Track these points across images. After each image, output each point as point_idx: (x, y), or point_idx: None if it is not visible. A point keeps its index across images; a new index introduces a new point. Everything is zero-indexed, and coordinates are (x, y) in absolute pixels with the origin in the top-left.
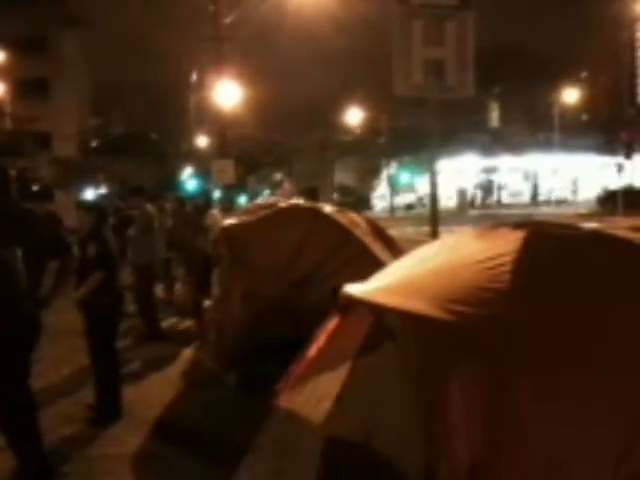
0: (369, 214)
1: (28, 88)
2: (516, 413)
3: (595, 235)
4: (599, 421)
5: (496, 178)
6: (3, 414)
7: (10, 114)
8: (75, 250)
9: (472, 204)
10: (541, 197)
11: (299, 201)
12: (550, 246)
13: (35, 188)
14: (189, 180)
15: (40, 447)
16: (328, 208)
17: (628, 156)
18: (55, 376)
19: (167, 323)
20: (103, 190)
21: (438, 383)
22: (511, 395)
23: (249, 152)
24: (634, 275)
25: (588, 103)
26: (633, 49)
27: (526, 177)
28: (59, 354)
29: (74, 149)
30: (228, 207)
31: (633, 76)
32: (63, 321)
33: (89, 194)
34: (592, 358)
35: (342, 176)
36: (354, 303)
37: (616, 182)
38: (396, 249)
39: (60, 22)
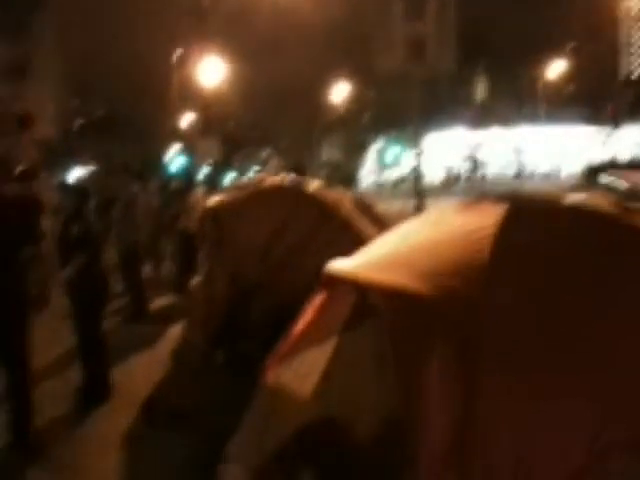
0: (356, 190)
1: (8, 68)
2: (486, 395)
3: (576, 209)
4: (570, 410)
5: (483, 152)
6: (20, 377)
7: None
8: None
9: (459, 178)
10: (528, 170)
11: (285, 178)
12: (531, 220)
13: (20, 169)
14: (173, 159)
15: (29, 426)
16: (313, 185)
17: (616, 125)
18: (43, 358)
19: (154, 302)
20: (87, 170)
21: (417, 358)
22: (481, 376)
23: (234, 130)
24: (617, 250)
25: (574, 75)
26: (617, 20)
27: (513, 151)
28: (46, 336)
29: (57, 129)
30: (212, 186)
31: (618, 47)
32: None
33: (74, 174)
34: (564, 350)
35: (329, 152)
36: (338, 279)
37: (601, 154)
38: (383, 225)
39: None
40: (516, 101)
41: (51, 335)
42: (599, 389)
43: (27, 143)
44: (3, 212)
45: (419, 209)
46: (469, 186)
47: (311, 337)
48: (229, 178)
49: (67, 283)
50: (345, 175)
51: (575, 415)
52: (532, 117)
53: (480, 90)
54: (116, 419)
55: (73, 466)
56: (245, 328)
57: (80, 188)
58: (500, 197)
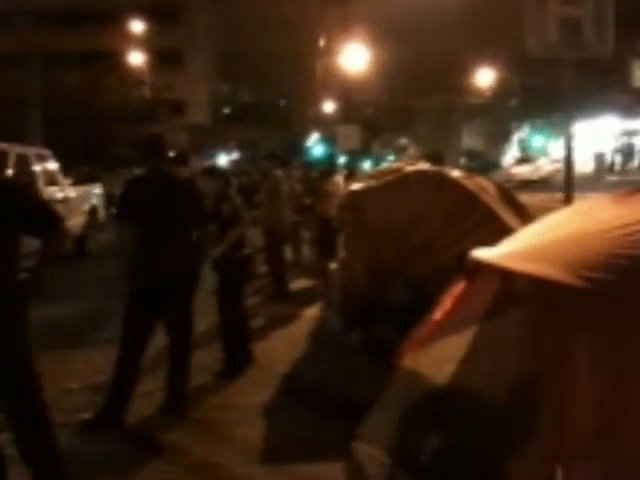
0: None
1: (164, 57)
2: (632, 386)
3: None
4: None
5: (638, 142)
6: (182, 346)
7: (148, 83)
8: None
9: (611, 169)
10: None
11: (424, 166)
12: None
13: (172, 154)
14: (315, 146)
15: (184, 389)
16: (455, 173)
17: None
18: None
19: (294, 284)
20: (234, 156)
21: (566, 348)
22: (627, 368)
23: (374, 117)
24: None
25: None
26: None
27: None
28: (196, 310)
29: (206, 116)
30: (351, 172)
31: None
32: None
33: (221, 160)
34: None
35: (469, 140)
36: (482, 268)
37: None
38: (526, 215)
39: None
40: None
41: (200, 308)
42: None
43: (178, 129)
44: (173, 193)
45: (568, 201)
46: (622, 178)
47: (450, 324)
48: (368, 165)
49: (216, 261)
50: (486, 164)
51: None
52: None
53: (637, 76)
54: (255, 391)
55: (214, 430)
56: (382, 311)
57: (221, 172)
58: None
